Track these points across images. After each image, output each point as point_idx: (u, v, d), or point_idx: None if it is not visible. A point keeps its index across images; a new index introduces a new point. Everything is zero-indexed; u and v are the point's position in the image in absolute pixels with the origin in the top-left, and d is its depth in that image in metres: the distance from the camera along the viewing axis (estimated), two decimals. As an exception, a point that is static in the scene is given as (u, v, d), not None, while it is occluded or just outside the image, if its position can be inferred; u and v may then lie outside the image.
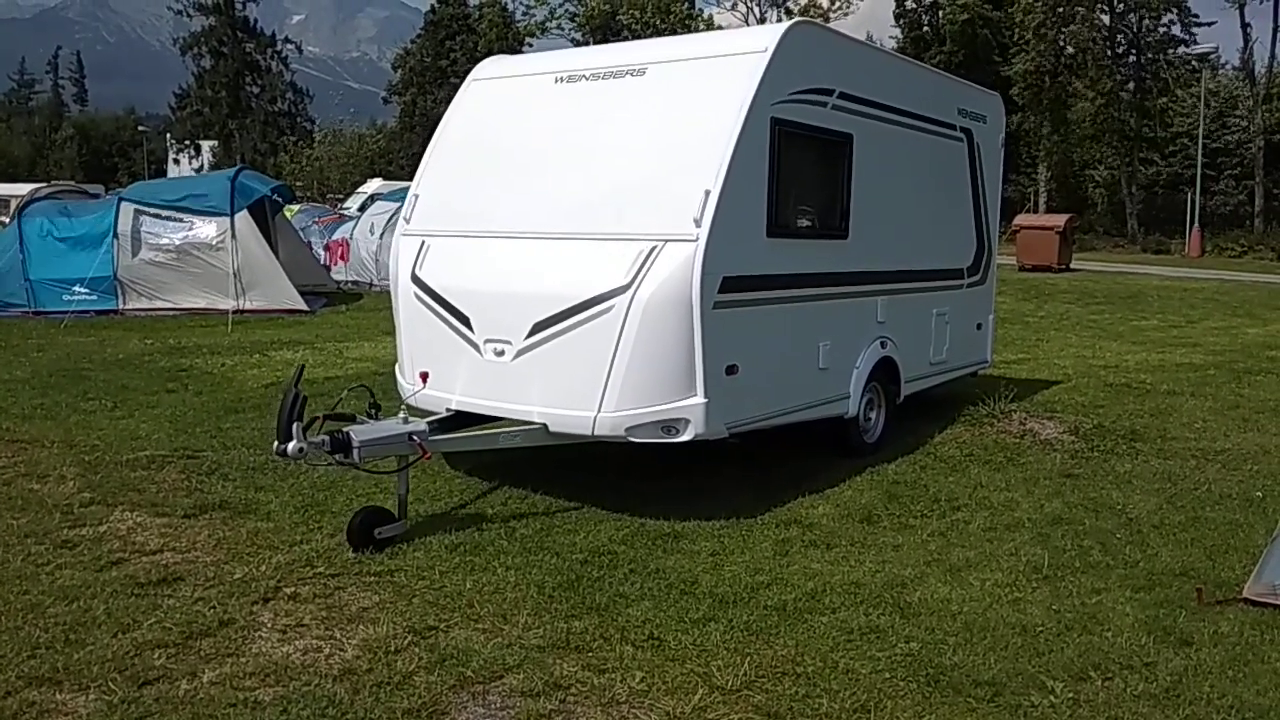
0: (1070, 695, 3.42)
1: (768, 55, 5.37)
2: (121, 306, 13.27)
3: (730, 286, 5.18)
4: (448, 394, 5.60)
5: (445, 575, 4.41)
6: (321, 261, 18.15)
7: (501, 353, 5.41)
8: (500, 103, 6.34)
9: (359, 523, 4.71)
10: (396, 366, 6.26)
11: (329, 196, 45.38)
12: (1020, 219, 26.73)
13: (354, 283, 17.95)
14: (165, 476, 5.79)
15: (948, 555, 4.76)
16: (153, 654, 3.58)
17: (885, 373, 6.69)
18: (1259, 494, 5.78)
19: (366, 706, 3.26)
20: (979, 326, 8.27)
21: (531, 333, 5.30)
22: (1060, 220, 25.33)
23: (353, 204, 30.63)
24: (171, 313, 13.32)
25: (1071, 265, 24.77)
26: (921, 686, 3.48)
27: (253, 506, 5.27)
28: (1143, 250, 36.66)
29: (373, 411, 5.06)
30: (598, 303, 5.13)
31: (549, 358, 5.28)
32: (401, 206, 18.89)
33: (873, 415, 6.69)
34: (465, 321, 5.59)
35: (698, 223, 5.01)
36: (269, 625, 3.86)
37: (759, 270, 5.45)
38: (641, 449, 6.24)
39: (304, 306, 13.91)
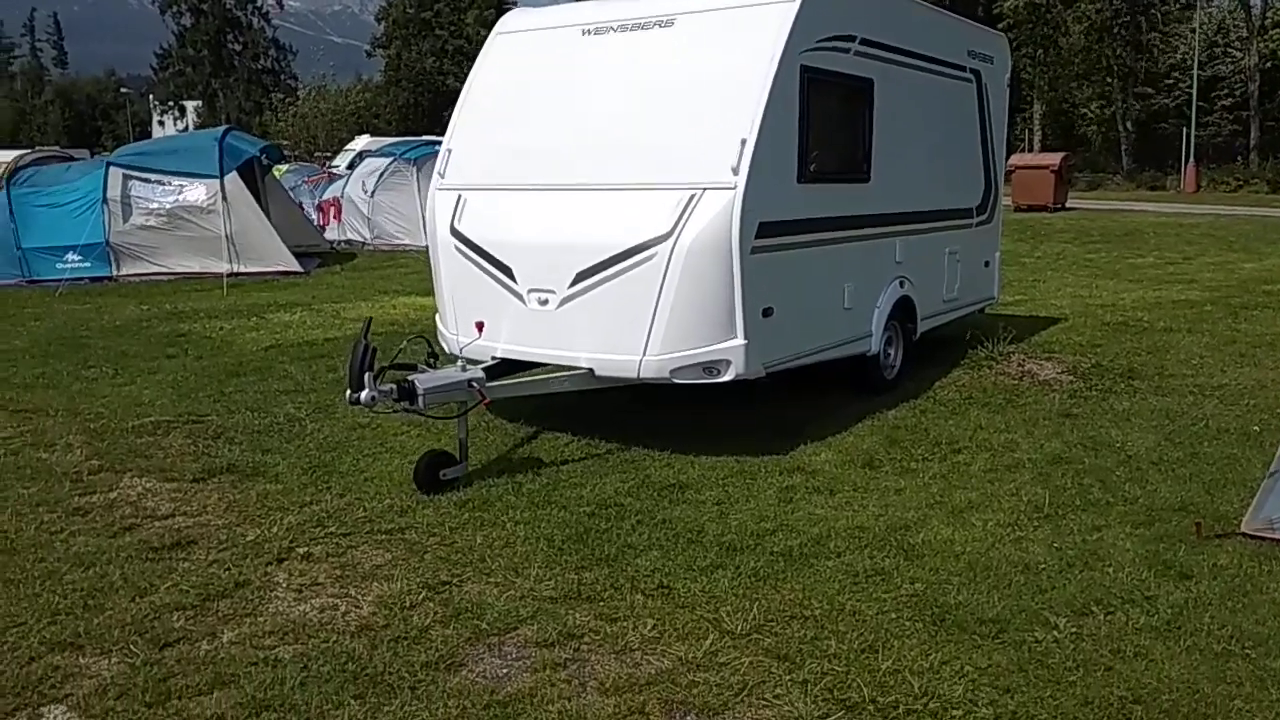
0: (1073, 630, 3.49)
1: (797, 4, 5.50)
2: (115, 272, 13.20)
3: (766, 232, 5.35)
4: (493, 343, 5.74)
5: (455, 531, 4.47)
6: (314, 222, 18.04)
7: (545, 302, 5.58)
8: (527, 56, 6.42)
9: (425, 466, 4.93)
10: (438, 317, 6.43)
11: (317, 155, 44.89)
12: (1015, 159, 26.55)
13: (347, 242, 17.86)
14: (171, 442, 5.82)
15: (950, 497, 4.82)
16: (171, 616, 3.64)
17: (903, 311, 6.91)
18: (1256, 428, 5.84)
19: (385, 661, 3.32)
20: (986, 264, 8.49)
21: (575, 281, 5.47)
22: (1055, 159, 25.21)
23: (341, 162, 30.32)
24: (166, 277, 13.26)
25: (1067, 204, 24.70)
26: (927, 626, 3.55)
27: (260, 469, 5.31)
28: (1137, 187, 36.52)
29: (431, 361, 5.30)
30: (640, 251, 5.30)
31: (593, 305, 5.45)
32: (391, 163, 18.64)
33: (891, 352, 6.91)
34: (508, 272, 5.75)
35: (735, 171, 5.19)
36: (284, 585, 3.92)
37: (791, 215, 5.62)
38: (644, 397, 6.29)
39: (298, 268, 13.86)
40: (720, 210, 5.18)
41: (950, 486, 4.97)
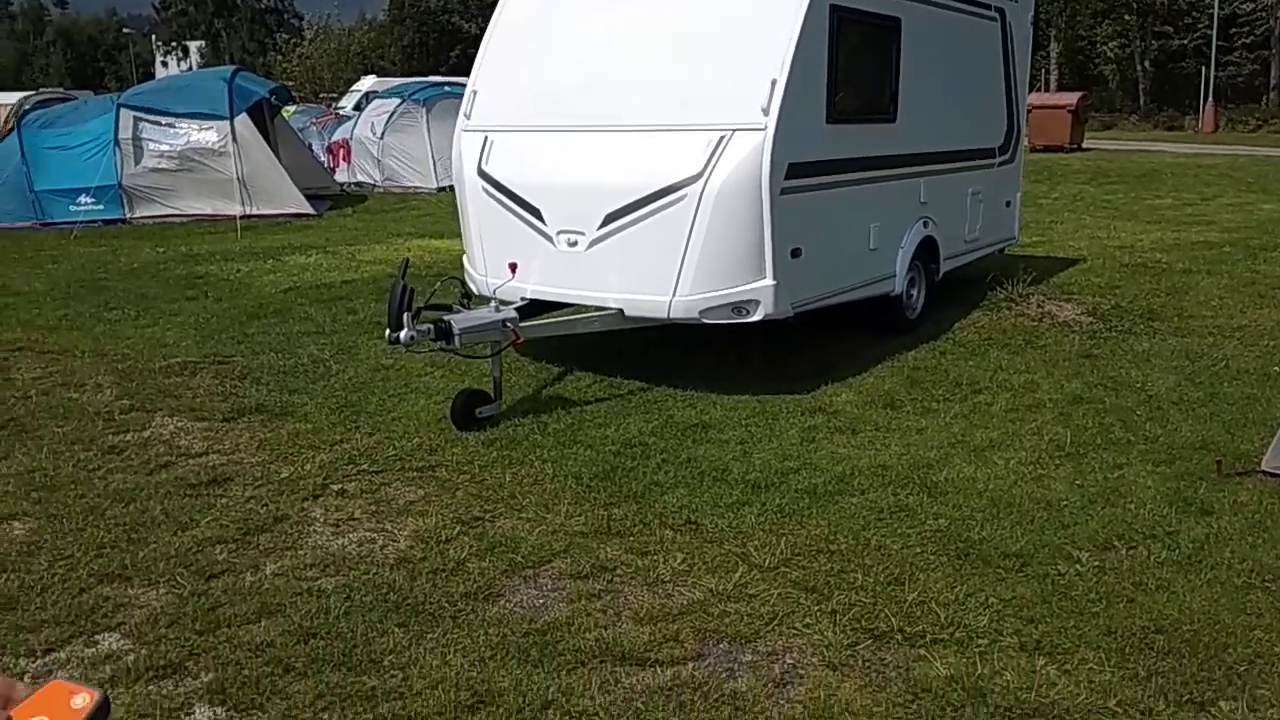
0: (1096, 564, 3.57)
1: None
2: (128, 215, 13.19)
3: (795, 173, 5.35)
4: (522, 284, 5.77)
5: (485, 469, 4.55)
6: (324, 164, 17.94)
7: (575, 243, 5.60)
8: None
9: (461, 403, 5.04)
10: (465, 259, 6.46)
11: (322, 96, 44.42)
12: (1031, 98, 25.96)
13: (357, 184, 17.78)
14: (199, 382, 5.90)
15: (971, 437, 4.88)
16: (214, 549, 3.74)
17: (927, 251, 6.93)
18: (1276, 369, 5.86)
19: (425, 591, 3.42)
20: (1008, 204, 8.48)
21: (604, 223, 5.49)
22: (1072, 98, 24.82)
23: (348, 103, 30.01)
24: (179, 220, 13.25)
25: (1084, 144, 24.39)
26: (952, 560, 3.63)
27: (289, 409, 5.38)
28: (1155, 127, 35.99)
29: (464, 302, 5.39)
30: (670, 192, 5.31)
31: (623, 246, 5.47)
32: (401, 104, 18.42)
33: (914, 293, 6.94)
34: (537, 214, 5.76)
35: (765, 111, 5.19)
36: (321, 520, 4.02)
37: (820, 156, 5.63)
38: (664, 339, 6.33)
39: (310, 210, 13.83)
40: (750, 151, 5.18)
41: (971, 426, 5.03)
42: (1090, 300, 7.52)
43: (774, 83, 5.20)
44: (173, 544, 3.78)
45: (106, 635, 3.19)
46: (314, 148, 18.53)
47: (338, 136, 19.18)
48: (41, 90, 36.79)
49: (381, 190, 17.47)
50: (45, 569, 3.60)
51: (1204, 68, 34.08)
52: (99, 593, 3.44)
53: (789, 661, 3.03)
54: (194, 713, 2.80)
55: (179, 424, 5.19)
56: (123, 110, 13.30)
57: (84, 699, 0.58)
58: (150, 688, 2.90)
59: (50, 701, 0.58)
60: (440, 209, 15.07)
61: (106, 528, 3.93)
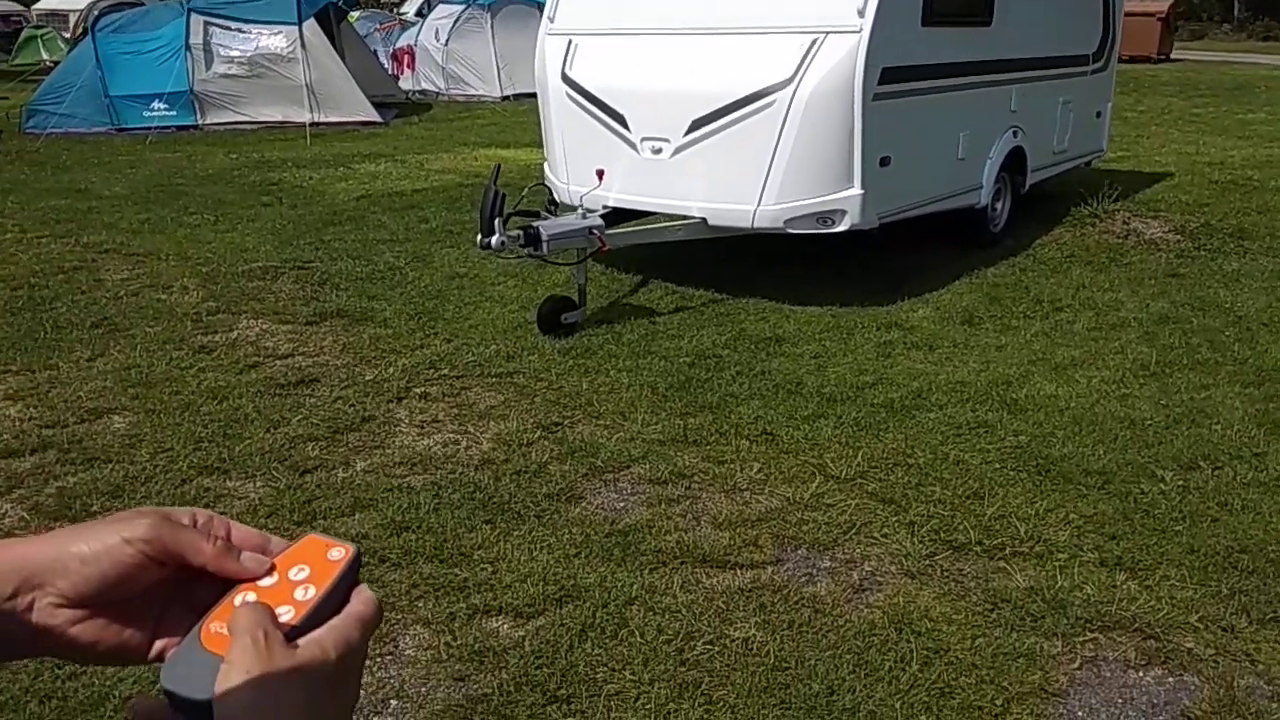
0: (1180, 483, 3.53)
1: None
2: (200, 121, 13.35)
3: (888, 78, 5.21)
4: (605, 191, 5.76)
5: (561, 377, 4.61)
6: (388, 71, 17.87)
7: (659, 150, 5.55)
8: None
9: (548, 310, 5.12)
10: (546, 166, 6.44)
11: (384, 1, 43.95)
12: (1118, 5, 24.87)
13: (421, 93, 17.71)
14: (281, 287, 6.03)
15: (1052, 355, 4.80)
16: (306, 446, 3.88)
17: (1015, 162, 6.74)
18: (1375, 292, 5.65)
19: (510, 491, 3.52)
20: (1098, 115, 8.18)
21: (690, 130, 5.42)
22: (1162, 5, 23.53)
23: (410, 9, 29.70)
24: (249, 126, 13.38)
25: (1172, 55, 23.22)
26: (1032, 475, 3.62)
27: (369, 314, 5.50)
28: (1249, 38, 34.05)
29: (552, 208, 5.42)
30: (759, 98, 5.20)
31: (708, 154, 5.41)
32: (465, 9, 18.12)
33: (999, 205, 6.79)
34: (621, 120, 5.71)
35: (861, 13, 5.03)
36: (407, 421, 4.13)
37: (914, 60, 5.47)
38: (736, 251, 6.29)
39: (377, 118, 13.85)
40: (844, 56, 5.04)
41: (1053, 344, 4.95)
42: (1178, 218, 7.26)
43: None
44: (266, 440, 3.93)
45: (210, 523, 3.35)
46: (379, 54, 18.44)
47: (401, 43, 19.05)
48: (108, -6, 36.96)
49: (446, 98, 17.40)
50: (147, 460, 3.77)
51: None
52: (200, 484, 3.61)
53: (867, 569, 3.08)
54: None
55: (264, 326, 5.34)
56: (193, 15, 13.33)
57: (340, 552, 0.60)
58: (255, 573, 3.05)
59: (309, 553, 0.60)
60: (506, 118, 14.99)
61: (202, 423, 4.09)
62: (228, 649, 0.54)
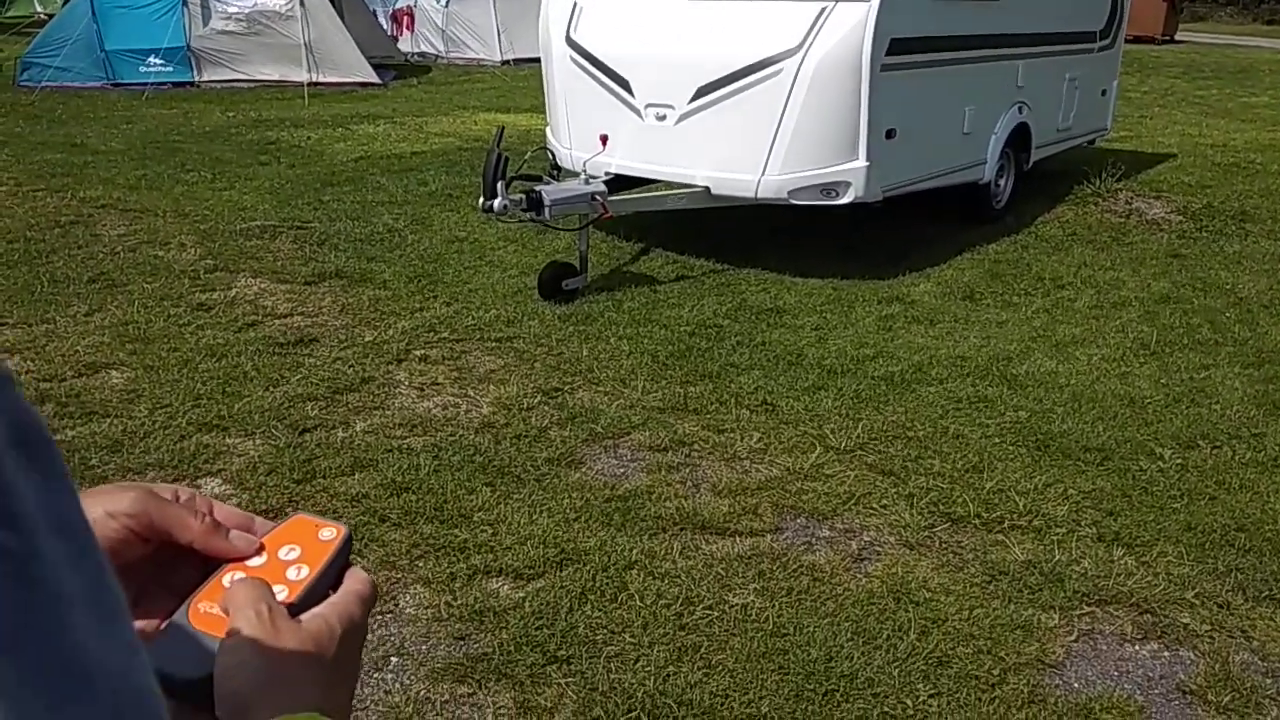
0: (1178, 461, 3.54)
1: None
2: (197, 78, 13.19)
3: (896, 49, 5.18)
4: (608, 157, 5.72)
5: (561, 343, 4.60)
6: (387, 32, 17.67)
7: (663, 117, 5.50)
8: None
9: (549, 275, 5.11)
10: (548, 130, 6.38)
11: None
12: (1125, -16, 24.66)
13: (420, 55, 17.53)
14: (279, 246, 5.99)
15: (1053, 332, 4.80)
16: (305, 406, 3.87)
17: (1019, 138, 6.72)
18: (1375, 277, 5.65)
19: (509, 455, 3.51)
20: (1103, 93, 8.14)
21: (695, 97, 5.38)
22: (1169, -14, 23.37)
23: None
24: (246, 84, 13.23)
25: (1176, 37, 23.08)
26: (1031, 451, 3.63)
27: (368, 275, 5.46)
28: (1253, 20, 33.87)
29: (555, 173, 5.37)
30: (766, 66, 5.16)
31: (713, 122, 5.37)
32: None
33: (1002, 182, 6.77)
34: (625, 86, 5.66)
35: None
36: (406, 383, 4.12)
37: (922, 32, 5.43)
38: (737, 222, 6.26)
39: (376, 80, 13.70)
40: (853, 25, 4.99)
41: (1054, 321, 4.95)
42: (1180, 199, 7.25)
43: None
44: (265, 398, 3.91)
45: (209, 480, 3.34)
46: (378, 15, 18.21)
47: (401, 4, 18.80)
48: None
49: (445, 61, 17.22)
50: (146, 416, 3.76)
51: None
52: (199, 440, 3.59)
53: (866, 539, 3.09)
54: (297, 555, 2.94)
55: (262, 285, 5.30)
56: (190, -30, 13.12)
57: (331, 532, 0.59)
58: (254, 530, 3.05)
59: (299, 533, 0.59)
60: (505, 82, 14.85)
61: (201, 380, 4.07)
62: (222, 628, 0.53)
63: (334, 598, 0.56)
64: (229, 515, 0.59)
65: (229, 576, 0.56)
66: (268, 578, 0.56)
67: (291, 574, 0.56)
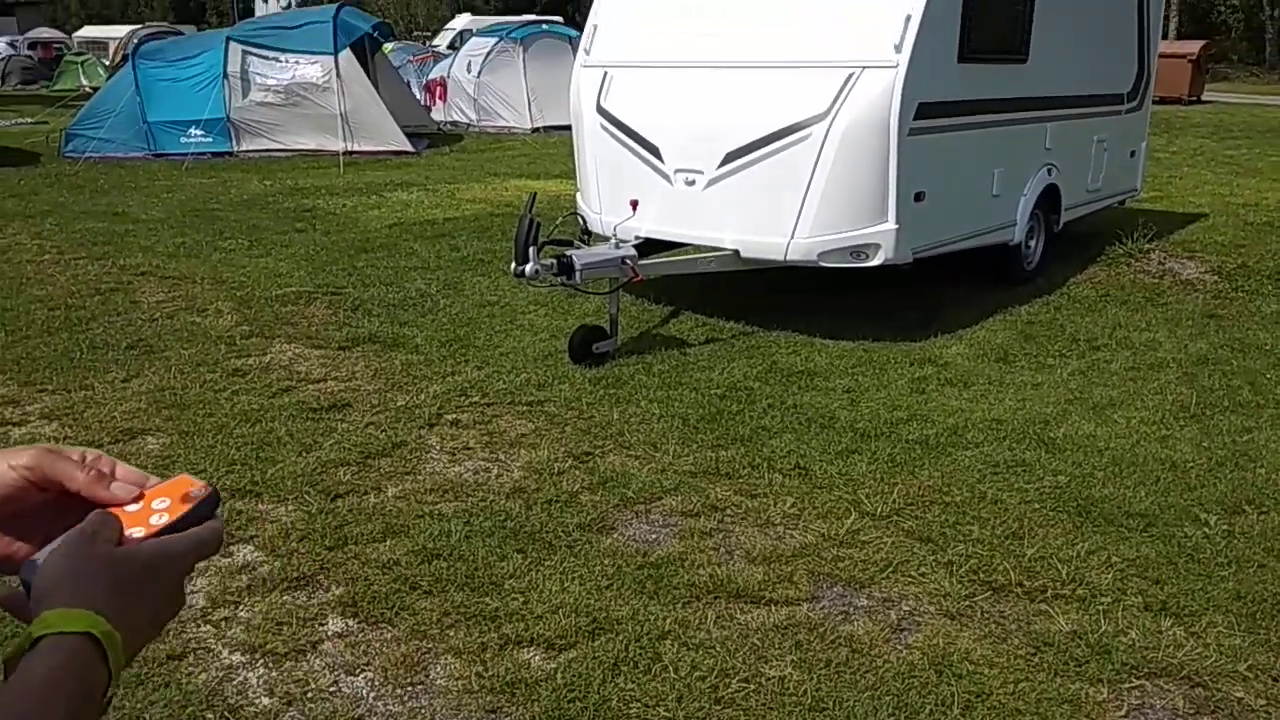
0: (1225, 527, 3.45)
1: None
2: (235, 148, 13.56)
3: (924, 113, 5.22)
4: (638, 222, 5.77)
5: (592, 406, 4.59)
6: (420, 101, 18.11)
7: (692, 182, 5.57)
8: None
9: (579, 339, 5.15)
10: (579, 195, 6.49)
11: (416, 34, 44.69)
12: (1148, 46, 24.80)
13: (453, 124, 17.92)
14: (314, 312, 6.07)
15: (1090, 394, 4.74)
16: (337, 471, 3.88)
17: (1049, 200, 6.73)
18: None
19: (541, 520, 3.49)
20: (1132, 154, 8.16)
21: (724, 162, 5.46)
22: (1193, 47, 23.51)
23: (442, 41, 30.20)
24: (283, 154, 13.56)
25: (1203, 97, 23.15)
26: (1072, 516, 3.55)
27: (400, 340, 5.51)
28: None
29: (585, 238, 5.44)
30: (794, 131, 5.22)
31: (742, 186, 5.43)
32: (498, 43, 18.42)
33: (1033, 243, 6.76)
34: (655, 152, 5.75)
35: (898, 49, 5.05)
36: (437, 448, 4.12)
37: (950, 96, 5.49)
38: (767, 284, 6.27)
39: (410, 148, 14.00)
40: (881, 90, 5.05)
41: (1090, 383, 4.88)
42: (1214, 259, 7.18)
43: (909, 18, 5.02)
44: (298, 464, 3.93)
45: (241, 547, 3.34)
46: (412, 85, 18.70)
47: (434, 74, 19.32)
48: (148, 24, 37.86)
49: (476, 129, 17.59)
50: (181, 482, 3.77)
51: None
52: (232, 506, 3.60)
53: (905, 608, 3.02)
54: (327, 623, 2.92)
55: (297, 350, 5.36)
56: (232, 44, 13.58)
57: (199, 491, 0.70)
58: (285, 597, 3.04)
59: (174, 489, 0.71)
60: (536, 149, 15.13)
61: (235, 446, 4.10)
62: None
63: (168, 536, 0.68)
64: (127, 474, 0.72)
65: (101, 514, 0.69)
66: (134, 520, 0.68)
67: (154, 520, 0.68)
